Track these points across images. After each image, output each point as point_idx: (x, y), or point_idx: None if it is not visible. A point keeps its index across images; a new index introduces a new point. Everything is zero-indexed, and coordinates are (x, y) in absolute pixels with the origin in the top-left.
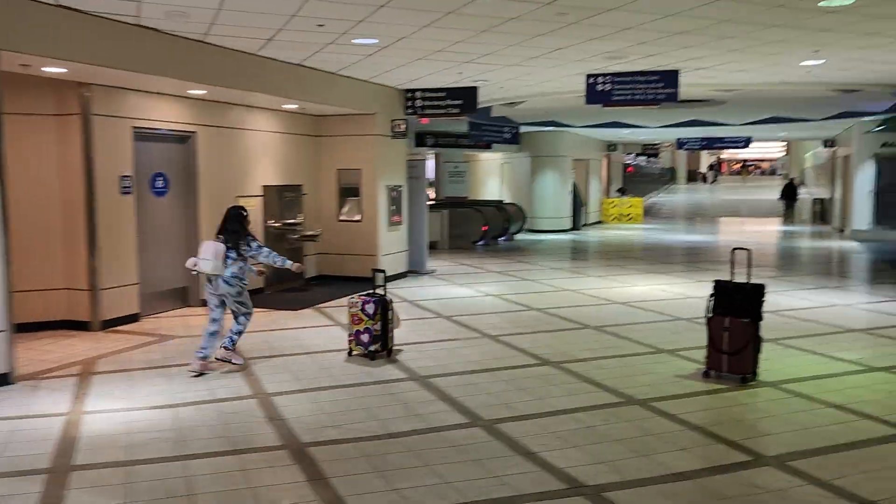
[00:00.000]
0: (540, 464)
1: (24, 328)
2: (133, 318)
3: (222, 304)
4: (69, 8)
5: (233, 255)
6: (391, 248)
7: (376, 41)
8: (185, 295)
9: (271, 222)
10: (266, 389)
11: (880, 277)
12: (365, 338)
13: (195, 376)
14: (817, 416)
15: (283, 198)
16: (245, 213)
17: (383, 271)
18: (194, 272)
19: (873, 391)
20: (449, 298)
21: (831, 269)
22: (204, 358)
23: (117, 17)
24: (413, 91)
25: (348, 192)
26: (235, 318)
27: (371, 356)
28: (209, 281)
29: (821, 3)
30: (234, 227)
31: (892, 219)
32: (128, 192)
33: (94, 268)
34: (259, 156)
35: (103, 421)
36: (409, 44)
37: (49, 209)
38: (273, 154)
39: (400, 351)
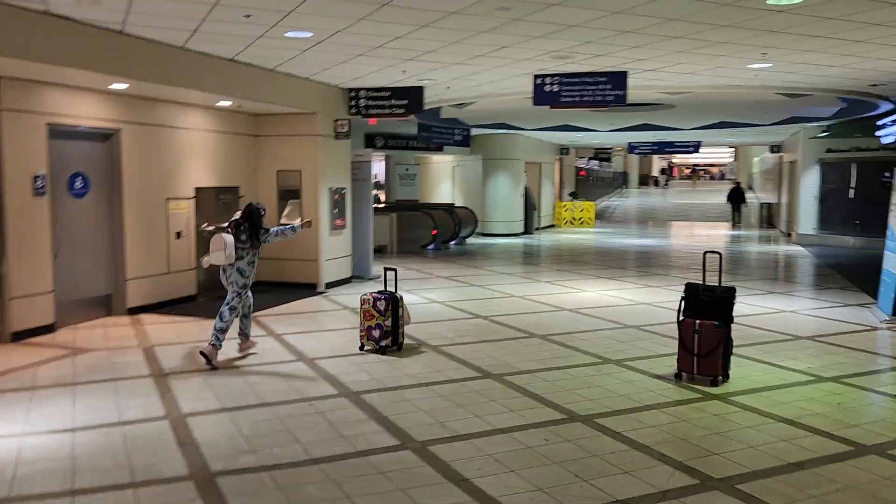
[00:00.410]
0: (472, 492)
1: None
2: (48, 329)
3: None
4: None
5: (246, 246)
6: (334, 252)
7: (310, 34)
8: (108, 303)
9: (205, 226)
10: (182, 409)
11: (825, 282)
12: (376, 333)
13: (242, 357)
14: (767, 432)
15: (218, 200)
16: (263, 211)
17: (395, 270)
18: (206, 266)
19: (822, 404)
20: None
21: (778, 274)
22: (245, 338)
23: (23, 3)
24: (357, 90)
25: (289, 194)
26: (223, 312)
27: (382, 351)
28: (223, 271)
29: (769, 1)
30: (254, 224)
31: (835, 224)
32: (41, 193)
33: (2, 275)
34: (192, 156)
35: None
36: (345, 38)
37: None
38: (207, 154)
39: (420, 345)
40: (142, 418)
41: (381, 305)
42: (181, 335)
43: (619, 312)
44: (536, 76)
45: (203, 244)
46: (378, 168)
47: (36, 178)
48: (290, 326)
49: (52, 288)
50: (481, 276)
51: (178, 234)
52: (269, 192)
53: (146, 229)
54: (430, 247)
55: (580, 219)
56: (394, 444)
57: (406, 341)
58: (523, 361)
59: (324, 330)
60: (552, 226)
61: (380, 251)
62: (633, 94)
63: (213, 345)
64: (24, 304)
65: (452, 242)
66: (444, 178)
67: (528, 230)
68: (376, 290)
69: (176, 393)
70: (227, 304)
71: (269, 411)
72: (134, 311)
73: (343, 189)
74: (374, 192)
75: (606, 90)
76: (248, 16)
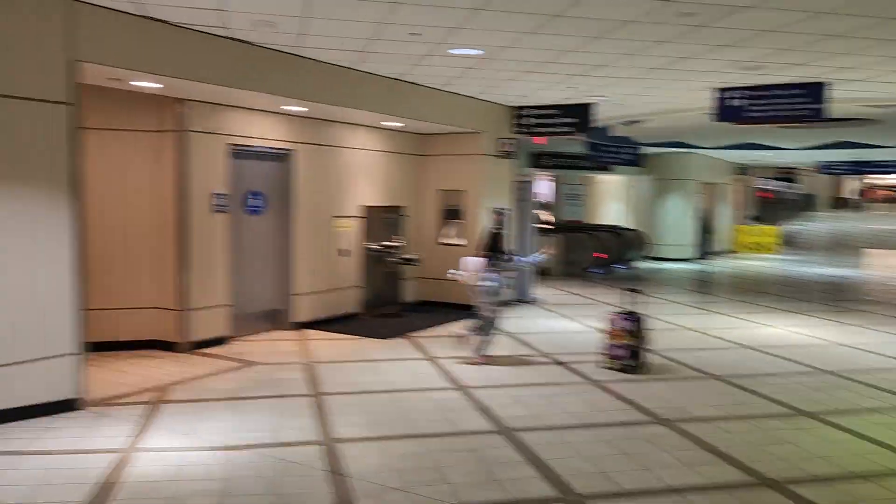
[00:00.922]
0: None
1: (112, 346)
2: (222, 341)
3: (487, 308)
4: (156, 19)
5: (492, 267)
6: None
7: (475, 51)
8: (277, 318)
9: (369, 244)
10: (335, 434)
11: None
12: (620, 352)
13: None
14: None
15: (381, 219)
16: (500, 233)
17: (639, 290)
18: (460, 280)
19: None
20: (551, 332)
21: None
22: (482, 354)
23: (205, 28)
24: (522, 108)
25: (449, 213)
26: (486, 325)
27: (625, 370)
28: (473, 290)
29: None
30: (493, 245)
31: None
32: (221, 210)
33: (185, 287)
34: (358, 175)
35: (154, 462)
36: (512, 54)
37: (140, 226)
38: (372, 173)
39: (666, 368)
40: (296, 441)
41: (626, 325)
42: (343, 353)
43: (812, 354)
44: (719, 89)
45: (370, 262)
46: (544, 188)
47: (216, 195)
48: (447, 350)
49: (229, 302)
50: (649, 303)
51: (343, 252)
52: (430, 212)
53: (314, 247)
54: (597, 271)
55: (761, 244)
56: (551, 494)
57: (568, 372)
58: (699, 406)
59: None
60: (729, 251)
61: (542, 273)
62: (832, 108)
63: (484, 354)
64: (203, 315)
65: (619, 266)
66: (612, 199)
67: (702, 255)
68: (621, 310)
69: (331, 415)
70: (494, 316)
71: (420, 443)
72: (300, 326)
73: (506, 210)
74: (542, 212)
75: (801, 104)
76: (417, 34)
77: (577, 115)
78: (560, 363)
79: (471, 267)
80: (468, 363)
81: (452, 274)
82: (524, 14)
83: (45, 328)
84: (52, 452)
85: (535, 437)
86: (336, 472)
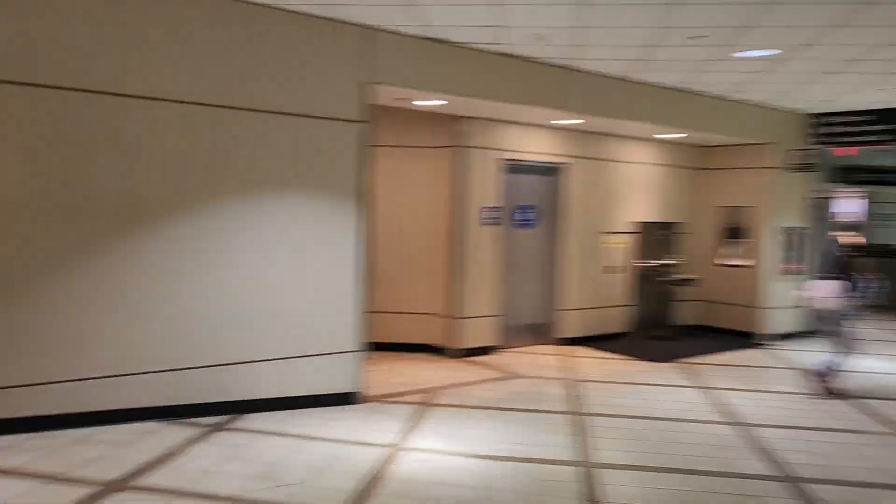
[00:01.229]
0: None
1: (388, 347)
2: (488, 350)
3: (833, 335)
4: (438, 40)
5: (851, 292)
6: (781, 301)
7: (767, 52)
8: (542, 331)
9: (641, 261)
10: (593, 456)
11: None
12: None
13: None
14: None
15: (654, 236)
16: (847, 257)
17: None
18: (813, 306)
19: None
20: (856, 372)
21: None
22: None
23: (482, 45)
24: (822, 115)
25: (729, 232)
26: (841, 351)
27: None
28: (820, 316)
29: None
30: (843, 269)
31: None
32: (494, 223)
33: (457, 296)
34: (630, 189)
35: (417, 462)
36: (812, 53)
37: (417, 236)
38: (645, 187)
39: None
40: (553, 458)
41: None
42: (607, 373)
43: None
44: None
45: (641, 280)
46: (852, 206)
47: (490, 209)
48: (722, 380)
49: (497, 312)
50: None
51: (611, 269)
52: (706, 230)
53: (582, 262)
54: None
55: None
56: None
57: (874, 420)
58: None
59: (761, 390)
60: None
61: None
62: None
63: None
64: (472, 324)
65: None
66: None
67: None
68: None
69: (591, 437)
70: (848, 345)
71: (685, 480)
72: (564, 342)
73: (800, 228)
74: (845, 234)
75: None
76: (704, 36)
77: (891, 121)
78: (863, 407)
79: (826, 291)
80: (817, 391)
81: (800, 294)
82: (828, 5)
83: (333, 326)
84: (333, 440)
85: (828, 491)
86: (591, 499)
